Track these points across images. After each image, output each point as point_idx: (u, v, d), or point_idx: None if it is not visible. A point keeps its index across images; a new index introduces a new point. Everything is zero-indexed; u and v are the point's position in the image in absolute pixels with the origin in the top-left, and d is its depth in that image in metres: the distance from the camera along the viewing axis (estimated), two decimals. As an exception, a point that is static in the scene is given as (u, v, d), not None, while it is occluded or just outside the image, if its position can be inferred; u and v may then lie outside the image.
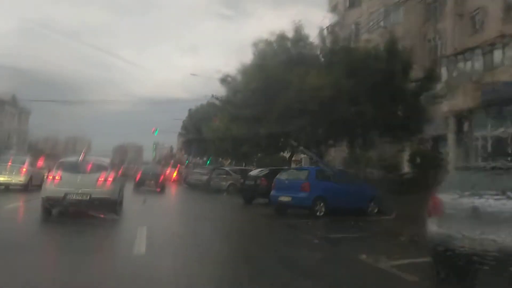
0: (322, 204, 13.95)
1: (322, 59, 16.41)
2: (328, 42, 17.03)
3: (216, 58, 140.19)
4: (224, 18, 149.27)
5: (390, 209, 14.59)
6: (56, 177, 11.79)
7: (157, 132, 50.52)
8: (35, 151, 61.82)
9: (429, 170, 21.92)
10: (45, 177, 20.41)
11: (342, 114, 15.14)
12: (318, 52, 16.83)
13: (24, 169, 20.99)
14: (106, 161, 13.35)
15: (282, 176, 15.37)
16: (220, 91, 31.07)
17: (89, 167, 12.17)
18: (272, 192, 15.01)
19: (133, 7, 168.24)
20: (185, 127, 54.72)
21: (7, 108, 71.42)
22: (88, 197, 11.46)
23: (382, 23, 28.10)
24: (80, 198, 11.46)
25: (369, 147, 17.66)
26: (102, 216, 10.98)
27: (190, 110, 53.03)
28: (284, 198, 14.44)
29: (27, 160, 21.85)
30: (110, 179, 12.02)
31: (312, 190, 13.98)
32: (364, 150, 17.75)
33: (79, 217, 11.11)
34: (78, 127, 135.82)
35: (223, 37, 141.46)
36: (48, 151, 75.75)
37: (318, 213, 13.83)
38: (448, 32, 26.42)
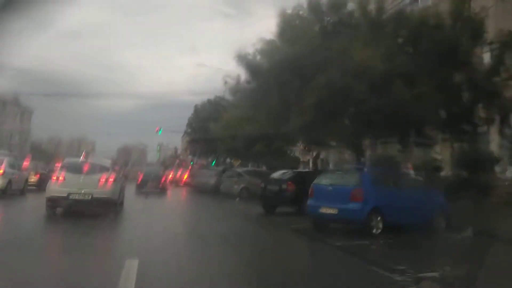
0: (379, 218, 10.19)
1: (367, 29, 12.55)
2: (372, 8, 13.21)
3: (220, 57, 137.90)
4: (227, 17, 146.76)
5: (462, 222, 10.77)
6: (60, 178, 12.45)
7: (160, 131, 47.64)
8: (38, 151, 59.26)
9: (479, 172, 18.28)
10: (27, 180, 20.41)
11: (396, 98, 11.39)
12: (362, 21, 12.96)
13: (1, 171, 17.43)
14: (108, 162, 14.22)
15: (324, 181, 11.45)
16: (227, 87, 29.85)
17: (91, 168, 12.85)
18: (310, 202, 11.20)
19: (136, 6, 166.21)
20: (190, 124, 49.51)
21: (9, 108, 69.31)
22: (90, 197, 12.16)
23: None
24: (82, 198, 12.15)
25: (427, 143, 13.81)
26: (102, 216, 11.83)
27: (196, 106, 48.58)
28: (328, 210, 10.61)
29: (5, 161, 18.16)
30: (111, 180, 12.70)
31: (367, 199, 10.18)
32: (424, 146, 13.93)
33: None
34: (83, 128, 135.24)
35: (226, 36, 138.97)
36: (51, 152, 73.72)
37: (374, 231, 10.10)
38: (489, 12, 22.76)
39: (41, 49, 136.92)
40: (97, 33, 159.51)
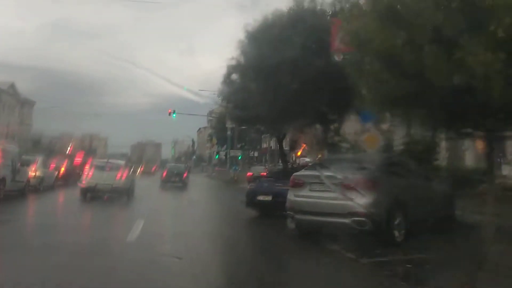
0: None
1: None
2: None
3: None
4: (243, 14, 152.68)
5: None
6: (90, 174, 20.94)
7: (174, 114, 47.41)
8: (44, 147, 60.65)
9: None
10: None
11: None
12: None
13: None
14: (122, 162, 23.20)
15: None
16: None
17: (111, 167, 21.30)
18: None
19: (155, 5, 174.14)
20: (234, 66, 23.79)
21: (4, 98, 69.30)
22: (110, 187, 20.30)
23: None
24: (105, 187, 20.36)
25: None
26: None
27: (247, 29, 22.35)
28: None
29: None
30: (124, 175, 21.13)
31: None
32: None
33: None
34: (97, 125, 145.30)
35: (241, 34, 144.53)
36: (61, 149, 76.25)
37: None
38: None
39: (63, 49, 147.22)
40: (115, 32, 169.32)
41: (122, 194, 20.54)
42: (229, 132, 49.08)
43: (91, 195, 20.58)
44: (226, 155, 57.76)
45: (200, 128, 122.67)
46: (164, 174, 35.36)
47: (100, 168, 21.16)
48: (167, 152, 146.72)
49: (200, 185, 40.07)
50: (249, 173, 37.51)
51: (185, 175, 35.24)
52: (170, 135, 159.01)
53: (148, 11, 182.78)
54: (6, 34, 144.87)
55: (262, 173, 30.97)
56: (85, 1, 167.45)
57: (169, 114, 46.69)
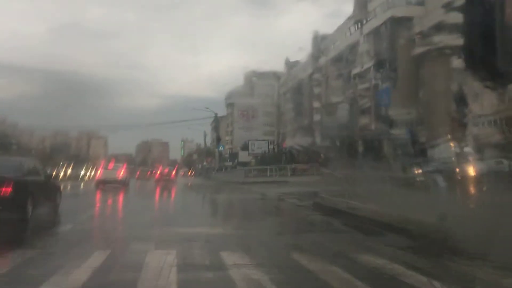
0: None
1: None
2: None
3: (245, 54, 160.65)
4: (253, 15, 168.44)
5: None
6: (101, 172, 36.73)
7: None
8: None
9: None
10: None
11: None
12: None
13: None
14: (121, 165, 37.64)
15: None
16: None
17: (114, 167, 36.42)
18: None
19: (163, 5, 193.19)
20: None
21: None
22: (114, 180, 34.18)
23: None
24: (111, 180, 34.02)
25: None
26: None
27: None
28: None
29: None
30: (123, 172, 35.67)
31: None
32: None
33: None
34: (99, 125, 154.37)
35: (251, 33, 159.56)
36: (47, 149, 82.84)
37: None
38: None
39: (71, 51, 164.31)
40: (121, 33, 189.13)
41: (121, 185, 33.33)
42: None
43: (103, 185, 32.83)
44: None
45: (214, 119, 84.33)
46: (157, 175, 49.30)
47: (107, 168, 36.43)
48: (176, 152, 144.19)
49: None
50: None
51: (172, 175, 49.30)
52: (179, 134, 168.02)
53: (156, 12, 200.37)
54: (15, 37, 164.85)
55: None
56: (93, 3, 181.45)
57: None
